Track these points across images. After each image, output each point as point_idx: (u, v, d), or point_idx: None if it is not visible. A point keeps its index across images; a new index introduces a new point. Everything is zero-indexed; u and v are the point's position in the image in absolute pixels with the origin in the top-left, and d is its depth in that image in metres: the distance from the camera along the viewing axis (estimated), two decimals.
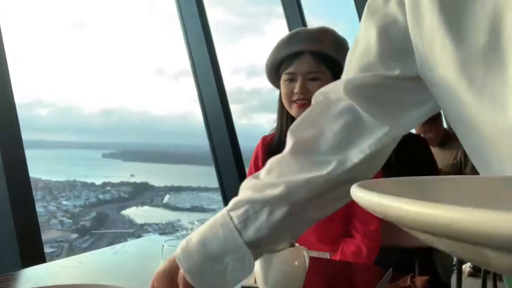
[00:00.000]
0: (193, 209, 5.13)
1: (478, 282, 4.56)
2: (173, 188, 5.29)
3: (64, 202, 4.60)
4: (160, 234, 4.60)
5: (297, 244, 1.09)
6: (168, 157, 5.49)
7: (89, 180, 4.92)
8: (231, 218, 0.76)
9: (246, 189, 0.78)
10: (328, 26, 1.89)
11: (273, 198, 0.75)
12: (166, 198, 5.19)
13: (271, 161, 0.79)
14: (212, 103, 2.70)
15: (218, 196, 3.90)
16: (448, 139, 3.57)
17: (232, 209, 0.76)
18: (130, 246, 1.66)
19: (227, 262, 0.75)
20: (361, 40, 0.79)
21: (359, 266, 1.55)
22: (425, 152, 2.68)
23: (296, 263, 1.08)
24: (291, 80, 1.79)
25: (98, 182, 4.94)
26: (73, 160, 5.18)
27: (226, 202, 2.35)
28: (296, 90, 1.77)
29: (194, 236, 0.74)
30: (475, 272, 5.01)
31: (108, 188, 4.97)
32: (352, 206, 1.73)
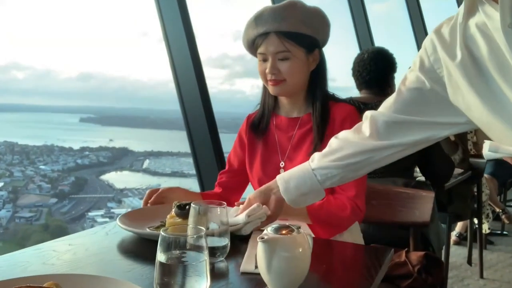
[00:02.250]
0: (173, 174, 5.20)
1: (464, 250, 4.77)
2: (153, 153, 5.36)
3: (42, 167, 4.64)
4: (140, 199, 4.68)
5: (301, 230, 1.10)
6: (148, 122, 5.53)
7: (67, 145, 4.95)
8: (315, 175, 1.47)
9: (325, 156, 1.47)
10: None
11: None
12: (146, 163, 5.25)
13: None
14: (185, 69, 2.74)
15: None
16: None
17: (315, 169, 1.46)
18: (111, 227, 1.69)
19: (311, 196, 1.50)
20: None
21: (359, 246, 1.58)
22: None
23: (300, 250, 1.06)
24: (264, 60, 1.85)
25: (76, 147, 4.98)
26: (50, 124, 5.19)
27: (198, 168, 2.47)
28: (267, 71, 1.84)
29: (291, 181, 1.50)
30: (461, 240, 5.20)
31: (87, 153, 5.01)
32: None
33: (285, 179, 1.49)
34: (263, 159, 1.95)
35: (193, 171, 5.32)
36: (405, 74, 1.41)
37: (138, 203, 4.63)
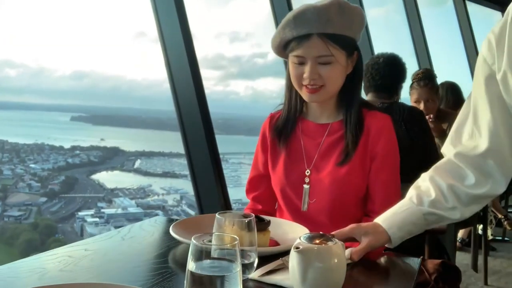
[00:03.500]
0: (165, 174, 5.21)
1: (466, 256, 4.79)
2: (145, 153, 5.36)
3: (32, 165, 4.63)
4: (131, 199, 4.70)
5: (336, 240, 1.07)
6: (140, 122, 5.54)
7: (57, 144, 4.95)
8: (425, 219, 1.46)
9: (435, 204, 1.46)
10: None
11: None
12: (138, 163, 5.25)
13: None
14: (181, 68, 2.74)
15: None
16: (440, 114, 3.88)
17: (426, 214, 1.46)
18: (137, 229, 1.65)
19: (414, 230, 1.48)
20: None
21: (391, 255, 1.54)
22: (424, 121, 3.01)
23: (336, 260, 1.03)
24: (300, 62, 1.69)
25: (67, 145, 4.98)
26: (41, 123, 5.19)
27: (192, 169, 2.44)
28: (305, 75, 1.68)
29: (404, 228, 1.45)
30: (463, 246, 5.24)
31: (77, 152, 5.01)
32: (367, 192, 1.76)
33: (398, 226, 1.45)
34: (287, 166, 1.82)
35: (185, 172, 5.32)
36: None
37: (129, 203, 4.64)
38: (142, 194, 4.92)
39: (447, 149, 1.51)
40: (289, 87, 1.82)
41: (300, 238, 1.07)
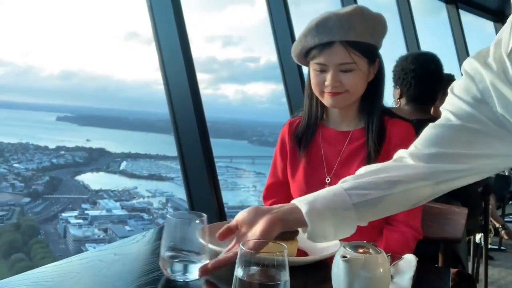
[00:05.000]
0: (151, 177, 5.21)
1: None
2: (131, 155, 5.37)
3: (16, 165, 4.62)
4: (116, 201, 4.70)
5: (380, 249, 1.07)
6: (127, 123, 5.54)
7: (42, 144, 4.94)
8: (349, 196, 1.15)
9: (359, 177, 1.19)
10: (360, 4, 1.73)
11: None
12: (123, 165, 5.26)
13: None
14: (176, 72, 2.75)
15: (176, 165, 3.99)
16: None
17: (348, 189, 1.17)
18: (152, 235, 1.60)
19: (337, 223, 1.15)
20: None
21: (425, 266, 1.45)
22: None
23: (381, 270, 1.04)
24: (322, 70, 1.70)
25: (52, 145, 4.97)
26: (26, 122, 5.18)
27: (185, 172, 2.41)
28: (327, 83, 1.69)
29: (318, 201, 1.14)
30: None
31: (62, 152, 5.00)
32: None
33: (309, 200, 1.15)
34: (307, 173, 1.82)
35: (171, 174, 5.33)
36: None
37: (114, 205, 4.64)
38: (127, 196, 4.92)
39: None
40: (309, 95, 1.83)
41: (344, 247, 1.06)
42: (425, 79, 2.75)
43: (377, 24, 1.73)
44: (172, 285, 1.16)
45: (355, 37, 1.66)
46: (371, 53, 1.72)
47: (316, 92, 1.75)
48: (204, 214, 1.19)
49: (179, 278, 1.15)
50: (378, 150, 1.71)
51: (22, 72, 4.27)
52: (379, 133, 1.73)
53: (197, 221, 1.17)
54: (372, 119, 1.75)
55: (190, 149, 2.72)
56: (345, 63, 1.67)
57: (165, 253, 1.15)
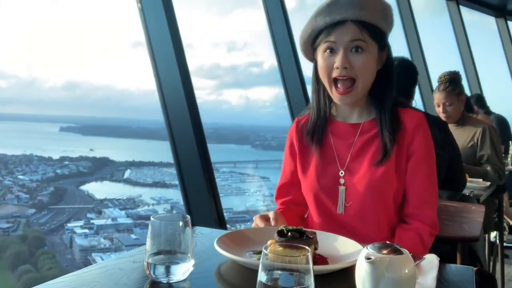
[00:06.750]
0: (155, 184, 5.25)
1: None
2: (134, 163, 5.41)
3: (20, 177, 4.66)
4: (121, 209, 4.75)
5: (405, 250, 1.06)
6: (130, 132, 5.60)
7: (46, 155, 4.99)
8: None
9: None
10: None
11: None
12: (127, 173, 5.29)
13: None
14: (170, 78, 2.76)
15: None
16: (465, 120, 3.89)
17: None
18: None
19: None
20: None
21: (448, 266, 1.46)
22: (446, 135, 2.84)
23: (407, 271, 1.03)
24: (331, 50, 1.68)
25: (56, 156, 5.02)
26: (30, 134, 5.26)
27: (182, 179, 2.43)
28: (336, 65, 1.66)
29: None
30: None
31: (66, 162, 5.05)
32: (405, 194, 1.73)
33: None
34: (318, 169, 1.80)
35: (175, 182, 5.37)
36: None
37: (119, 213, 4.70)
38: (132, 204, 4.96)
39: None
40: (317, 89, 1.81)
41: (367, 248, 1.05)
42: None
43: (388, 11, 1.72)
44: (156, 287, 1.16)
45: (367, 18, 1.65)
46: (381, 39, 1.71)
47: (324, 79, 1.72)
48: (188, 216, 1.22)
49: (163, 280, 1.17)
50: (395, 139, 1.69)
51: (26, 85, 4.36)
52: (395, 123, 1.71)
53: (181, 223, 1.21)
54: (384, 110, 1.73)
55: (187, 156, 2.73)
56: (356, 39, 1.64)
57: (149, 255, 1.18)
